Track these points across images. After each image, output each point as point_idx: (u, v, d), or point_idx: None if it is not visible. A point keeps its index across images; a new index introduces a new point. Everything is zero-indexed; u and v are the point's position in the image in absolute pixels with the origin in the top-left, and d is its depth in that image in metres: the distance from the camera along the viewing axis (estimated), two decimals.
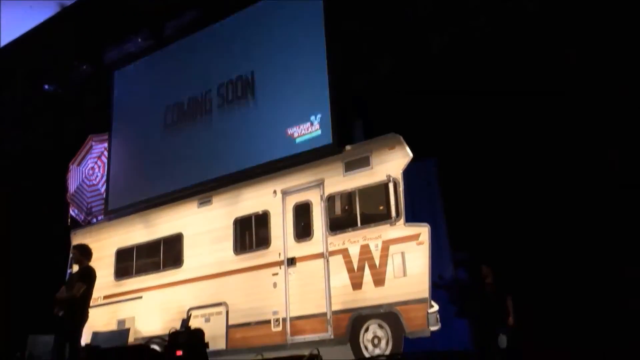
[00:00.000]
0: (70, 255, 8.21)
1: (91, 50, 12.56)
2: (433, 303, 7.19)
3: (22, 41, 12.38)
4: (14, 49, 12.46)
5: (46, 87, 13.37)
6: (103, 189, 12.13)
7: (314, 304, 8.01)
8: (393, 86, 9.42)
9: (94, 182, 12.56)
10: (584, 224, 8.12)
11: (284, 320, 8.20)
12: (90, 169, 12.69)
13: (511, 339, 8.50)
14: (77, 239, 11.15)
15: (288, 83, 9.56)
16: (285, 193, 8.77)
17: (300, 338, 8.02)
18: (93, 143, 12.88)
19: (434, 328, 7.08)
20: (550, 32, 8.57)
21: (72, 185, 12.80)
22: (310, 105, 9.14)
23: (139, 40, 12.05)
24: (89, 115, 13.11)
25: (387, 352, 7.16)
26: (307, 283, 8.13)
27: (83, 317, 7.61)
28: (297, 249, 8.38)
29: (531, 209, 8.51)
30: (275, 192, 8.88)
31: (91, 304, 8.46)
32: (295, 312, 8.15)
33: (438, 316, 7.15)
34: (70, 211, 12.56)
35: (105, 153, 12.41)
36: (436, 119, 9.07)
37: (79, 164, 12.89)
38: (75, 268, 8.16)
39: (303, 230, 8.44)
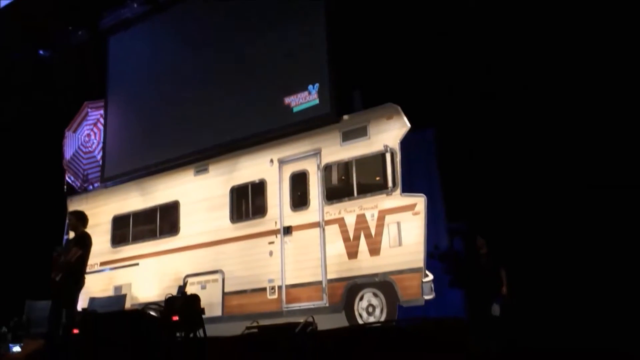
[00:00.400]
0: (67, 221, 8.21)
1: (86, 16, 12.37)
2: (427, 272, 7.26)
3: (16, 5, 12.19)
4: (9, 13, 12.26)
5: (41, 52, 13.21)
6: (99, 156, 12.09)
7: (309, 273, 8.07)
8: (392, 55, 9.34)
9: (90, 149, 12.50)
10: (580, 196, 8.16)
11: (280, 288, 8.28)
12: (86, 136, 12.62)
13: (504, 308, 8.62)
14: (73, 206, 11.16)
15: (286, 51, 9.46)
16: (282, 162, 8.76)
17: (295, 306, 8.10)
18: (89, 110, 12.78)
19: (428, 297, 7.16)
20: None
21: (68, 152, 12.74)
22: (308, 74, 9.07)
23: (135, 5, 11.86)
24: (84, 81, 12.98)
25: (382, 320, 7.24)
26: (303, 252, 8.18)
27: (79, 283, 7.66)
28: (294, 218, 8.41)
29: (528, 180, 8.53)
30: (272, 161, 8.86)
31: (88, 270, 8.53)
32: (290, 281, 8.22)
33: (432, 285, 7.22)
34: (66, 178, 12.53)
35: (101, 120, 12.33)
36: (434, 90, 9.02)
37: (74, 131, 12.81)
38: (72, 234, 8.18)
39: (299, 199, 8.45)
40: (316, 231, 8.15)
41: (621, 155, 7.84)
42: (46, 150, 12.95)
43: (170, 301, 6.29)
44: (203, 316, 6.60)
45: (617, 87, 7.98)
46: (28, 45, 12.95)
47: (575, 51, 8.33)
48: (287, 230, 8.40)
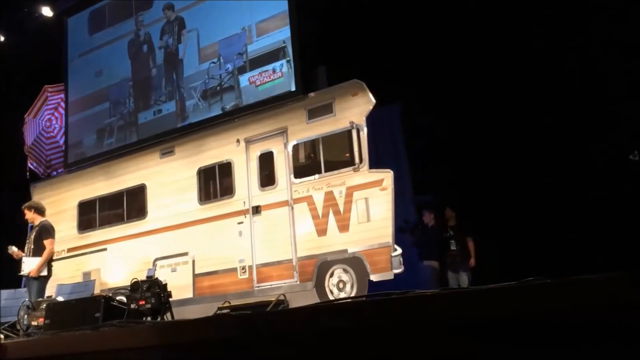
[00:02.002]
0: (25, 215, 8.17)
1: None
2: (396, 247, 7.31)
3: None
4: None
5: None
6: (62, 141, 11.83)
7: (279, 251, 8.07)
8: (356, 31, 9.29)
9: (52, 134, 12.23)
10: (544, 166, 8.30)
11: (250, 267, 8.27)
12: (47, 121, 12.33)
13: (472, 279, 8.81)
14: (37, 192, 10.95)
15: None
16: (248, 142, 8.70)
17: (266, 285, 8.11)
18: (48, 94, 12.46)
19: (397, 271, 7.23)
20: None
21: (29, 138, 12.44)
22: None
23: None
24: (42, 65, 12.63)
25: (352, 296, 7.30)
26: (273, 230, 8.18)
27: (50, 272, 7.82)
28: (262, 198, 8.38)
29: (493, 151, 8.64)
30: (238, 140, 8.79)
31: (55, 257, 8.51)
32: (261, 260, 8.22)
33: (401, 259, 7.28)
34: (29, 164, 12.25)
35: (62, 104, 12.04)
36: (399, 65, 9.02)
37: (35, 116, 12.49)
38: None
39: (267, 178, 8.42)
40: (285, 210, 8.15)
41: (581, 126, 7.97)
42: (6, 136, 12.60)
43: (135, 285, 6.23)
44: (172, 299, 6.55)
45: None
46: None
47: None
48: (256, 210, 8.37)
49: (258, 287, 8.16)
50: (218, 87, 9.74)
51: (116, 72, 11.30)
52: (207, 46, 10.15)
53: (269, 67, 9.05)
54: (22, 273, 7.78)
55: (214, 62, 9.93)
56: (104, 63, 11.55)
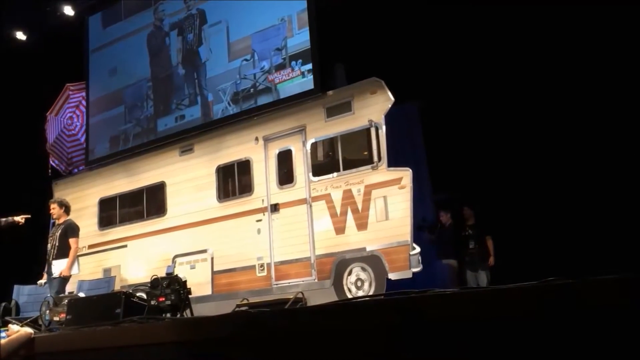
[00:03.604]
0: (52, 209, 8.28)
1: None
2: (415, 245, 7.28)
3: None
4: None
5: (20, 34, 12.96)
6: (83, 139, 11.97)
7: (297, 249, 8.08)
8: (375, 29, 9.26)
9: (74, 132, 12.35)
10: (564, 166, 8.20)
11: (269, 265, 8.29)
12: (69, 119, 12.46)
13: (491, 278, 8.74)
14: (58, 189, 11.10)
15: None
16: (267, 140, 8.72)
17: (284, 282, 8.13)
18: (70, 92, 12.59)
19: (415, 269, 7.19)
20: None
21: (51, 136, 12.58)
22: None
23: None
24: (65, 63, 12.76)
25: (370, 294, 7.28)
26: (291, 228, 8.18)
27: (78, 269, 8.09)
28: (280, 195, 8.39)
29: (513, 150, 8.56)
30: (257, 139, 8.81)
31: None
32: (279, 257, 8.24)
33: (419, 258, 7.25)
34: (51, 162, 12.39)
35: (83, 102, 12.18)
36: (418, 63, 8.97)
37: (56, 114, 12.64)
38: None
39: (285, 176, 8.42)
40: (303, 207, 8.15)
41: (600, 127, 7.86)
42: (29, 135, 12.77)
43: (155, 282, 6.27)
44: (191, 296, 6.60)
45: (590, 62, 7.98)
46: (7, 26, 12.69)
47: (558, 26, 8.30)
48: (274, 208, 8.38)
49: (276, 284, 8.18)
50: (252, 89, 9.35)
51: (133, 71, 11.09)
52: (238, 41, 9.68)
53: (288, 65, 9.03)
54: (53, 276, 7.84)
55: (246, 60, 9.49)
56: (117, 60, 11.46)
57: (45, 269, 8.13)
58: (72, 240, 7.96)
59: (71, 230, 8.06)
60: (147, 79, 10.97)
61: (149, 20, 11.13)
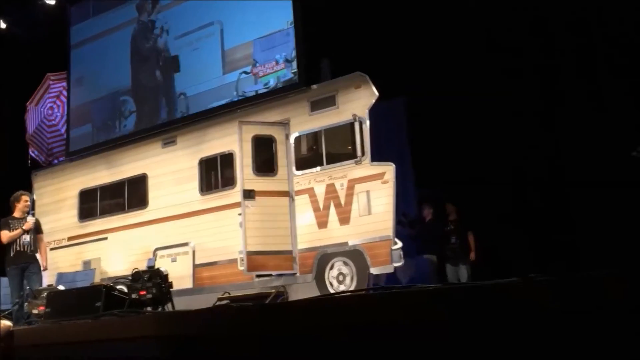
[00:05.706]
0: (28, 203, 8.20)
1: None
2: (397, 240, 7.30)
3: None
4: None
5: (0, 22, 12.75)
6: (63, 129, 11.82)
7: (278, 241, 8.04)
8: (360, 23, 9.25)
9: (54, 122, 12.20)
10: (547, 162, 8.29)
11: (245, 254, 8.16)
12: (49, 109, 12.30)
13: (472, 273, 8.82)
14: (38, 180, 10.94)
15: (255, 19, 9.26)
16: (242, 123, 8.34)
17: (266, 276, 8.09)
18: (50, 82, 12.43)
19: (397, 264, 7.22)
20: None
21: (31, 126, 12.41)
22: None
23: None
24: (45, 52, 12.58)
25: (352, 288, 7.32)
26: (270, 219, 8.09)
27: None
28: (258, 183, 8.16)
29: (497, 147, 8.63)
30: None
31: (55, 245, 8.63)
32: (255, 247, 7.94)
33: (401, 253, 7.27)
34: (30, 152, 12.24)
35: (64, 92, 12.01)
36: (403, 58, 8.99)
37: (36, 104, 12.46)
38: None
39: (265, 165, 8.29)
40: (285, 200, 8.11)
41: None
42: (8, 125, 12.59)
43: (136, 275, 6.23)
44: (173, 289, 6.56)
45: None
46: None
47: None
48: (249, 194, 8.16)
49: (257, 278, 8.12)
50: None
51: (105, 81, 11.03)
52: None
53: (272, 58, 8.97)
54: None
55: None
56: (95, 63, 11.33)
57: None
58: (41, 236, 8.18)
59: (40, 226, 8.24)
60: (123, 91, 10.87)
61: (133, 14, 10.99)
